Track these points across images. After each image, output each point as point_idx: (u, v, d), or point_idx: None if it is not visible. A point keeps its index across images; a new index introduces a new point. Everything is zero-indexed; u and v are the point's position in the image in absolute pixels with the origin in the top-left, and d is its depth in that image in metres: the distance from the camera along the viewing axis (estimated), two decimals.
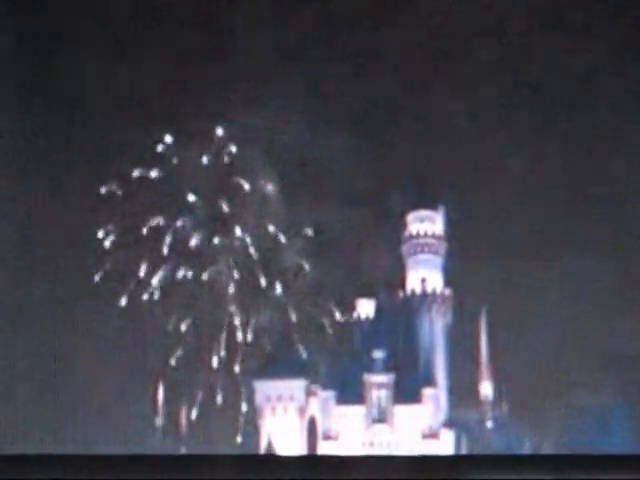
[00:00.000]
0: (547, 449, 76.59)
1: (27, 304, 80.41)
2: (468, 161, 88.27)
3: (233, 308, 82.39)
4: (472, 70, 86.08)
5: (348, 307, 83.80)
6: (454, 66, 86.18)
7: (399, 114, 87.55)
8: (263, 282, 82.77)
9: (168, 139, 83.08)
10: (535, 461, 7.94)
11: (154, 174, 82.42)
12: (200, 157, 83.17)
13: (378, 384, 77.92)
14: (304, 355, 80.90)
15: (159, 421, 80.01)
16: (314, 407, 79.73)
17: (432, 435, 77.11)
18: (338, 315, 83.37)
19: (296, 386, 79.92)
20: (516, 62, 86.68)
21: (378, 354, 78.37)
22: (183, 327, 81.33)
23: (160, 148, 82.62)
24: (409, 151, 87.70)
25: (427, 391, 77.98)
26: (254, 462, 8.47)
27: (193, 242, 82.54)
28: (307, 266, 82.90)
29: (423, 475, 8.27)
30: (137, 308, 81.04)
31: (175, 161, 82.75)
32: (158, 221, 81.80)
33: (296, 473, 8.28)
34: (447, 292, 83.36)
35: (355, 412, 77.89)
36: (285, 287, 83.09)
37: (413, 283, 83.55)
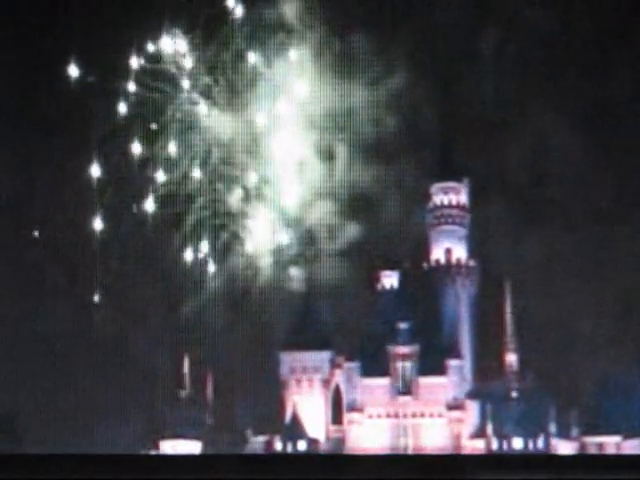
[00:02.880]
0: (573, 419, 76.59)
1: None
2: (494, 131, 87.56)
3: (263, 275, 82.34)
4: (504, 37, 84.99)
5: (372, 278, 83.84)
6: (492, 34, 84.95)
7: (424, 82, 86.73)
8: (294, 250, 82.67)
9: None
10: (535, 461, 7.90)
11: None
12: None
13: (403, 355, 78.06)
14: (329, 326, 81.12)
15: (184, 393, 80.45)
16: (339, 379, 79.95)
17: (457, 406, 77.22)
18: (363, 286, 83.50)
19: (321, 358, 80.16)
20: (555, 31, 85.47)
21: (402, 325, 78.45)
22: (211, 295, 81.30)
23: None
24: (433, 121, 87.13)
25: (452, 362, 78.07)
26: (255, 462, 8.48)
27: (229, 202, 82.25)
28: (335, 233, 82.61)
29: (423, 475, 8.26)
30: (170, 279, 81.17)
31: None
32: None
33: (297, 473, 8.29)
34: (472, 263, 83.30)
35: (380, 383, 78.08)
36: (313, 255, 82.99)
37: (437, 254, 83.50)
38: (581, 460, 8.39)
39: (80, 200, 79.93)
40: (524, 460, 8.46)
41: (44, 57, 78.29)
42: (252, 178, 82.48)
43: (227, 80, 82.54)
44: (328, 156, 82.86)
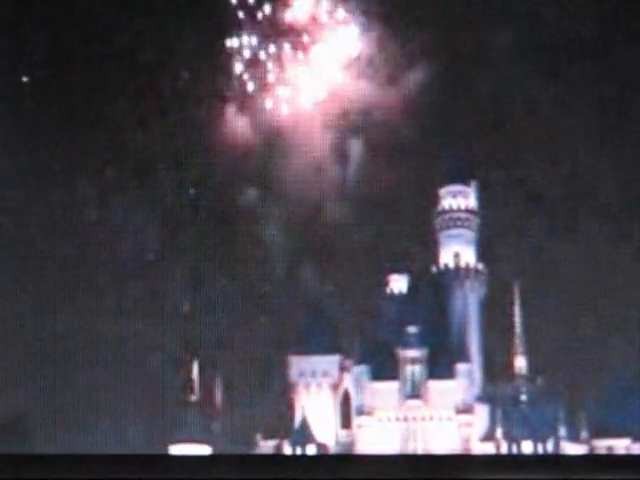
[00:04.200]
0: (582, 422, 76.38)
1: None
2: (502, 134, 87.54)
3: (272, 278, 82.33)
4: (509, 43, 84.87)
5: (381, 282, 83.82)
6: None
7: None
8: (303, 253, 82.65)
9: None
10: (535, 461, 7.89)
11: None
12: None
13: (412, 359, 77.88)
14: (338, 330, 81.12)
15: (193, 397, 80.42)
16: (348, 382, 79.85)
17: (466, 410, 77.03)
18: (372, 289, 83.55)
19: (330, 361, 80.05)
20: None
21: (412, 329, 78.27)
22: (220, 299, 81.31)
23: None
24: (442, 125, 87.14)
25: (461, 366, 77.90)
26: (255, 462, 8.48)
27: (240, 203, 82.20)
28: (344, 236, 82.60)
29: (424, 475, 8.26)
30: (171, 279, 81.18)
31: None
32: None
33: (297, 473, 8.29)
34: (480, 266, 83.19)
35: (389, 387, 77.92)
36: (321, 258, 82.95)
37: (446, 258, 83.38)
38: (580, 460, 8.37)
39: (80, 198, 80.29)
40: (530, 460, 8.44)
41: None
42: (264, 179, 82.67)
43: (241, 80, 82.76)
44: (341, 158, 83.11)
